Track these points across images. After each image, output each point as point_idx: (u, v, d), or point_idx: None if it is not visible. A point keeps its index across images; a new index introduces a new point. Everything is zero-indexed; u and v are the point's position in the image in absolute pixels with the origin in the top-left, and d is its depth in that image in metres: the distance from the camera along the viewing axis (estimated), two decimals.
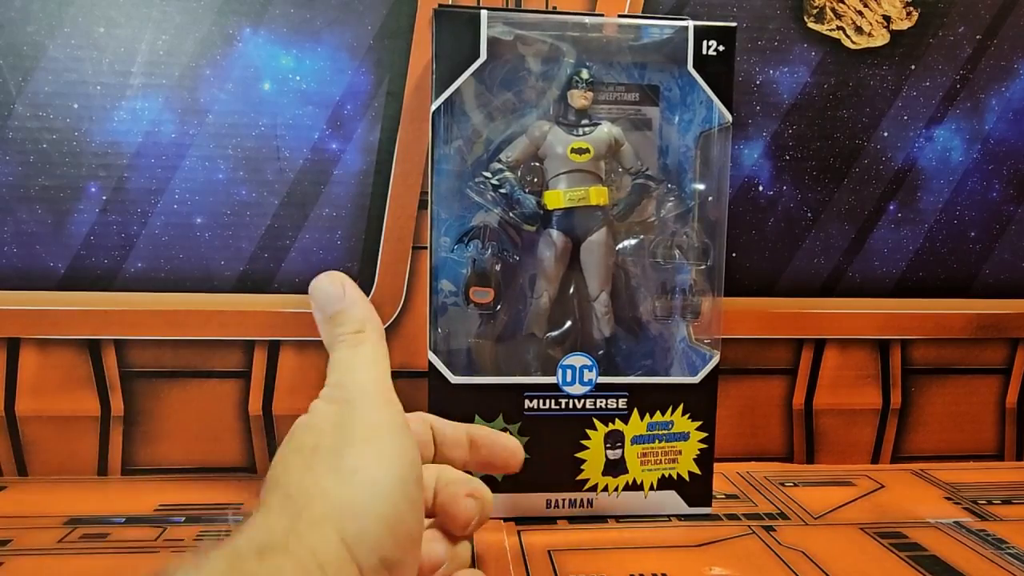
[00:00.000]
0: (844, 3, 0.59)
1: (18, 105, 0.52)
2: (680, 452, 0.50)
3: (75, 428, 0.56)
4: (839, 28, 0.59)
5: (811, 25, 0.59)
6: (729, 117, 0.50)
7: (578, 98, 0.50)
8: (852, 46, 0.60)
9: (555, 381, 0.49)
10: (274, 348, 0.57)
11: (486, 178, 0.50)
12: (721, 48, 0.49)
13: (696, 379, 0.50)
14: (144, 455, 0.57)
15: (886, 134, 0.61)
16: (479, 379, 0.49)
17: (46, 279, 0.54)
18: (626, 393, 0.49)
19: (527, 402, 0.49)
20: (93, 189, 0.54)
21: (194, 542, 0.46)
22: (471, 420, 0.48)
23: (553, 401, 0.49)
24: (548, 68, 0.51)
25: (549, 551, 0.45)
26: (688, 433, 0.50)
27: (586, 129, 0.50)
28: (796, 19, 0.59)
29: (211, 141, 0.54)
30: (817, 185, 0.61)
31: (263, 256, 0.56)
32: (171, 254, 0.55)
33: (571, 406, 0.49)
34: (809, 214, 0.61)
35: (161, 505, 0.51)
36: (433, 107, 0.47)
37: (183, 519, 0.49)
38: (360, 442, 0.30)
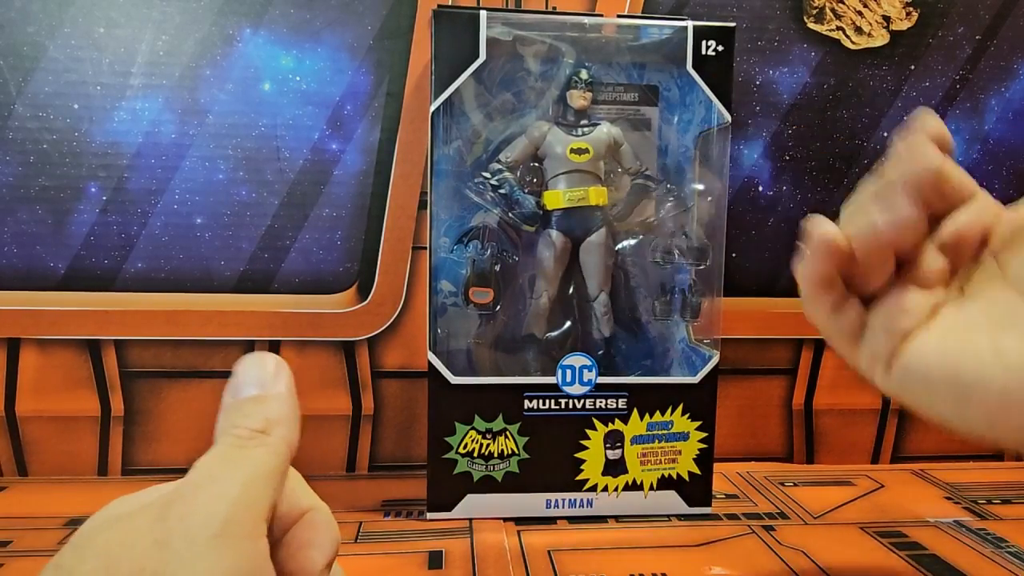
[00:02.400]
0: (844, 3, 0.59)
1: (18, 105, 0.52)
2: (680, 452, 0.51)
3: (75, 428, 0.56)
4: (839, 28, 0.59)
5: (811, 25, 0.59)
6: (728, 117, 0.50)
7: (577, 98, 0.50)
8: (852, 46, 0.60)
9: (555, 381, 0.49)
10: (274, 348, 0.57)
11: (485, 178, 0.50)
12: (720, 48, 0.49)
13: (696, 379, 0.50)
14: (144, 455, 0.57)
15: (886, 134, 0.61)
16: (479, 379, 0.49)
17: (46, 279, 0.54)
18: (626, 393, 0.49)
19: (527, 402, 0.49)
20: (93, 189, 0.54)
21: None
22: (471, 420, 0.48)
23: (553, 401, 0.49)
24: (547, 68, 0.51)
25: (549, 551, 0.45)
26: (688, 433, 0.50)
27: (585, 129, 0.50)
28: (796, 19, 0.59)
29: (211, 141, 0.54)
30: (817, 185, 0.61)
31: (263, 256, 0.56)
32: (171, 254, 0.55)
33: (571, 406, 0.49)
34: (809, 214, 0.61)
35: None
36: (432, 107, 0.47)
37: None
38: None
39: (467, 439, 0.49)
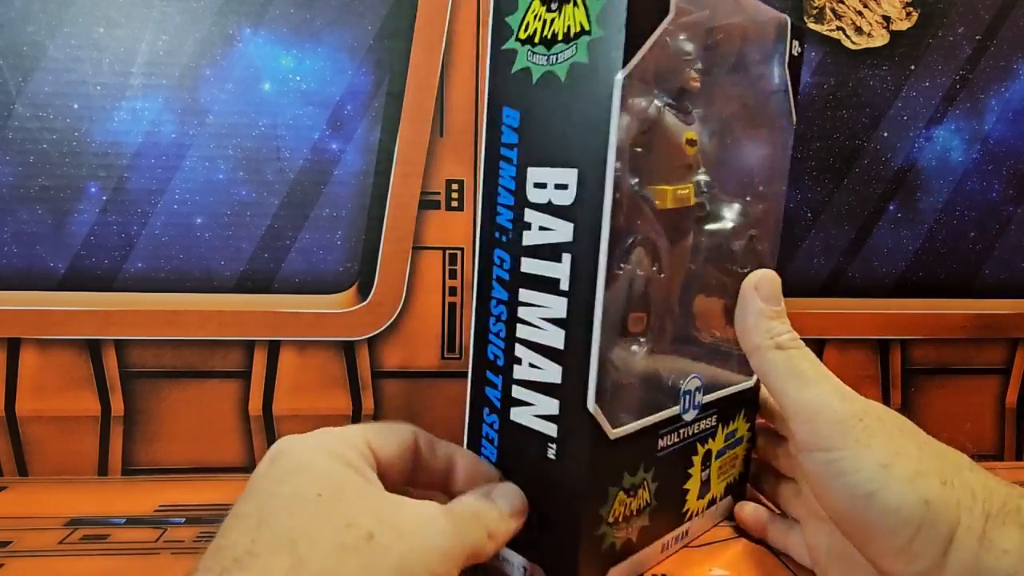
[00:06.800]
0: (844, 3, 0.59)
1: (18, 105, 0.52)
2: (738, 456, 0.48)
3: (75, 428, 0.56)
4: (839, 28, 0.59)
5: (811, 25, 0.59)
6: (795, 119, 0.46)
7: (691, 80, 0.40)
8: (852, 46, 0.60)
9: (678, 411, 0.41)
10: (274, 348, 0.57)
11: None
12: (800, 50, 0.44)
13: (751, 381, 0.47)
14: (144, 455, 0.57)
15: (886, 134, 0.61)
16: (634, 426, 0.38)
17: (46, 279, 0.54)
18: (715, 409, 0.44)
19: (659, 440, 0.40)
20: (93, 189, 0.54)
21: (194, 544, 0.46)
22: (620, 480, 0.38)
23: (675, 434, 0.41)
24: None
25: None
26: (743, 437, 0.48)
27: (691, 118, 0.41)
28: (796, 19, 0.59)
29: (211, 141, 0.54)
30: (817, 185, 0.61)
31: (263, 256, 0.56)
32: (171, 254, 0.55)
33: (687, 435, 0.42)
34: (809, 214, 0.61)
35: (161, 506, 0.51)
36: (622, 74, 0.32)
37: (183, 520, 0.49)
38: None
39: (616, 504, 0.38)
